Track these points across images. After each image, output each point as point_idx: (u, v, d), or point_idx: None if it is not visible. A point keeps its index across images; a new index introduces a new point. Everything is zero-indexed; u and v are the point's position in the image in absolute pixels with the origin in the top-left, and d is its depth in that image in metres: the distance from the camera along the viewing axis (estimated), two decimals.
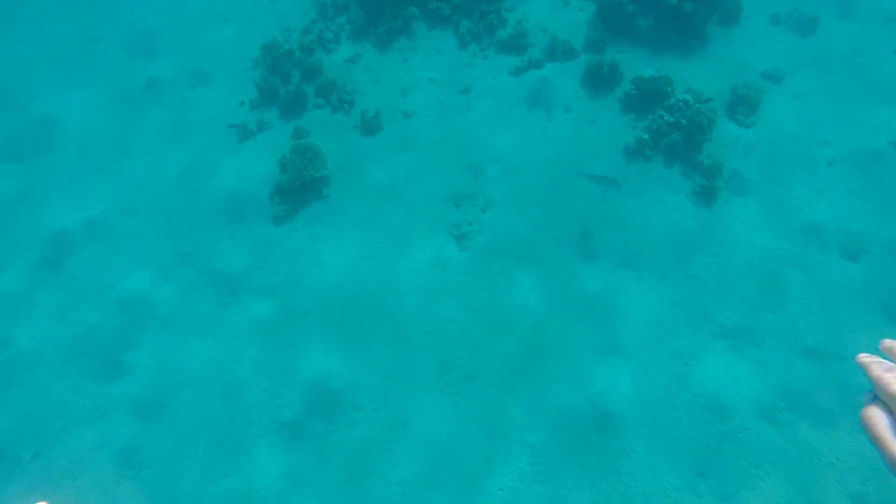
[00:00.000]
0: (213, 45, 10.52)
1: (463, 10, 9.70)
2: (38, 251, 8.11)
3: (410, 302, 7.27)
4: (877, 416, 1.14)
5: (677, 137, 7.99)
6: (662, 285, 7.25)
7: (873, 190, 7.86)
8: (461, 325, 7.07)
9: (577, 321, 7.01)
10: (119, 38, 10.85)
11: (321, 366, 6.90)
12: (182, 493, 6.12)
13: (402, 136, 8.74)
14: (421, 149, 8.57)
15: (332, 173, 8.35)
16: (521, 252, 7.56)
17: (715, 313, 7.02)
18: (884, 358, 1.23)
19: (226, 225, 8.15)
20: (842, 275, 7.23)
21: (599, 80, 8.78)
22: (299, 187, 7.99)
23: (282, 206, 8.08)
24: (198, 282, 7.68)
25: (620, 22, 9.34)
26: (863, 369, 1.24)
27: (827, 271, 7.27)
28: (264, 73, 9.38)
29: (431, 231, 7.78)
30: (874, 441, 1.12)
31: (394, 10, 9.67)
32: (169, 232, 8.16)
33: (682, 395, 6.51)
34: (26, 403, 6.82)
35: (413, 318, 7.15)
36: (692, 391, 6.53)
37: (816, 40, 9.56)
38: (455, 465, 6.18)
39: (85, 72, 10.37)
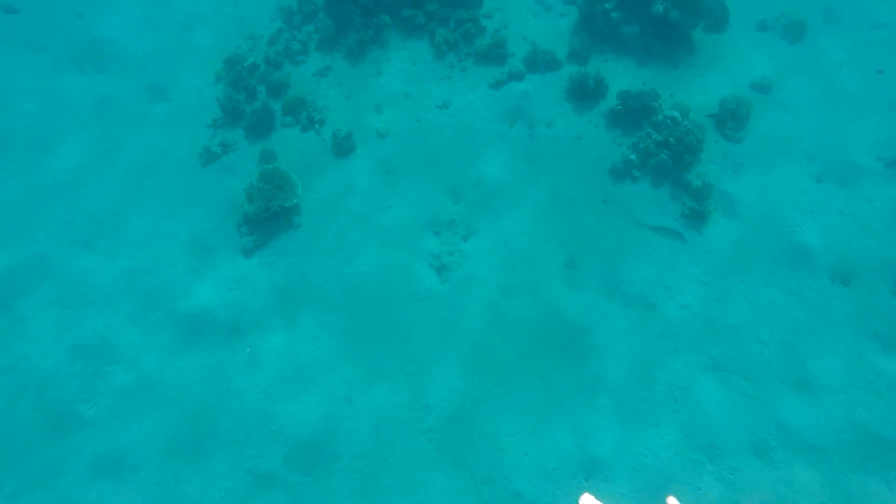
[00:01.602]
0: (172, 56, 10.06)
1: (438, 18, 9.41)
2: None
3: (389, 338, 7.09)
4: None
5: (665, 157, 7.88)
6: (651, 316, 7.18)
7: (862, 209, 7.88)
8: (441, 365, 6.93)
9: (562, 356, 6.91)
10: (65, 48, 10.30)
11: (296, 412, 6.70)
12: None
13: (376, 157, 8.48)
14: (397, 171, 8.33)
15: (303, 200, 8.07)
16: (504, 283, 7.41)
17: (705, 344, 6.99)
18: None
19: (191, 259, 7.84)
20: (832, 300, 7.24)
21: (585, 93, 8.61)
22: (268, 217, 7.70)
23: (250, 236, 7.80)
24: (162, 322, 7.39)
25: (605, 29, 9.16)
26: None
27: (817, 297, 7.27)
28: (227, 90, 9.01)
29: (410, 262, 7.59)
30: None
31: (364, 18, 9.34)
32: (129, 267, 7.82)
33: (672, 434, 6.48)
34: None
35: (390, 355, 6.98)
36: (683, 430, 6.50)
37: (804, 47, 9.52)
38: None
39: (26, 87, 9.84)
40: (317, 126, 8.71)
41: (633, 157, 7.98)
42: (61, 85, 9.84)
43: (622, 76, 8.99)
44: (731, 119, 8.36)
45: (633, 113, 8.29)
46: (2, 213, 8.32)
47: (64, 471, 6.47)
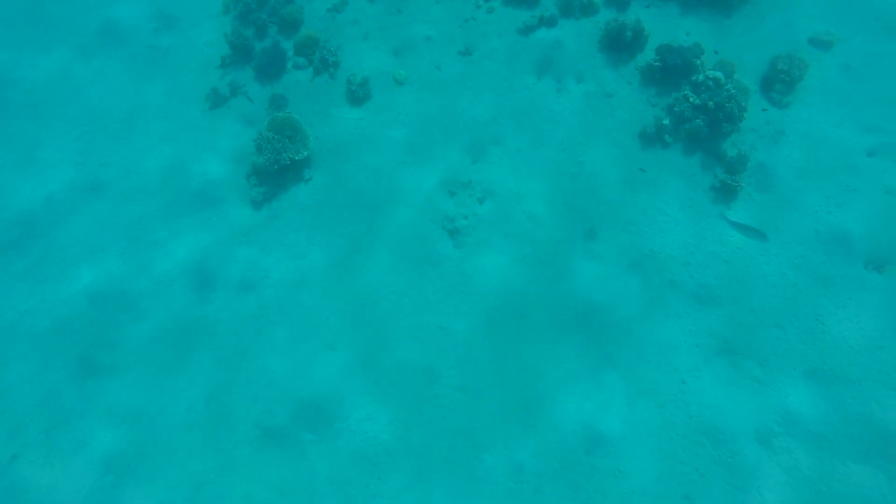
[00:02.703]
0: None
1: None
2: None
3: (398, 304, 7.18)
4: None
5: (701, 123, 7.45)
6: (668, 294, 7.10)
7: None
8: (451, 332, 7.03)
9: (575, 330, 6.96)
10: None
11: (303, 371, 6.96)
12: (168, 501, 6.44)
13: (392, 107, 8.17)
14: (413, 125, 8.04)
15: (315, 152, 7.91)
16: (519, 252, 7.33)
17: (721, 327, 6.95)
18: None
19: (199, 208, 7.86)
20: (863, 288, 7.04)
21: (621, 45, 8.03)
22: (278, 170, 7.60)
23: (259, 188, 7.76)
24: (173, 274, 7.55)
25: None
26: None
27: (847, 284, 7.07)
28: (235, 24, 8.59)
29: (422, 224, 7.50)
30: None
31: None
32: (139, 215, 7.89)
33: (677, 415, 6.61)
34: (0, 403, 6.99)
35: (400, 323, 7.10)
36: (688, 412, 6.62)
37: None
38: (442, 478, 6.43)
39: (31, 15, 9.49)
40: (331, 70, 8.35)
41: (666, 121, 7.55)
42: (61, 11, 9.46)
43: (664, 25, 8.31)
44: (779, 82, 7.76)
45: (672, 70, 7.74)
46: (5, 155, 8.31)
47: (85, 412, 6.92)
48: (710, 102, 7.40)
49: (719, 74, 7.48)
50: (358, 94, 8.11)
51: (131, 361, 7.14)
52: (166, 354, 7.21)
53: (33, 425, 6.82)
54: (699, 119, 7.47)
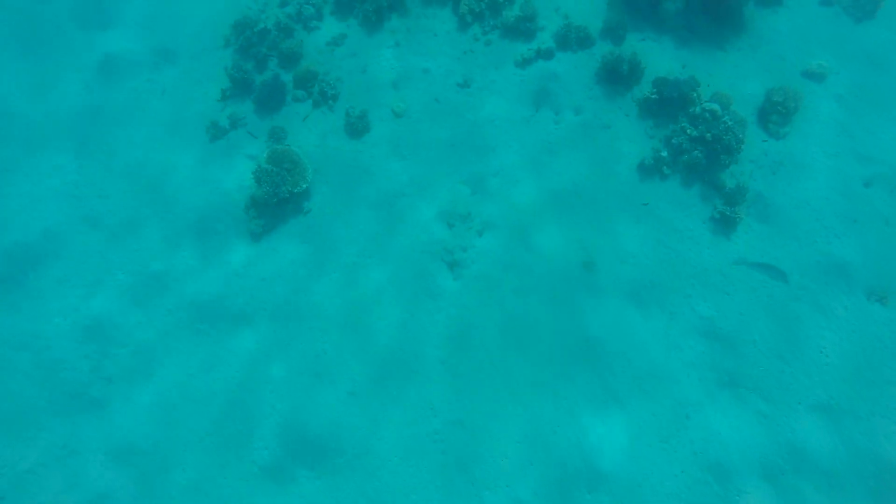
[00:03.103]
0: (180, 13, 9.69)
1: None
2: None
3: (397, 337, 7.13)
4: None
5: (699, 155, 7.52)
6: (670, 326, 7.07)
7: None
8: (450, 366, 6.97)
9: (575, 363, 6.90)
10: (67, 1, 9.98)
11: (299, 406, 6.87)
12: None
13: (391, 139, 8.24)
14: (412, 156, 8.11)
15: (314, 184, 7.95)
16: (518, 283, 7.32)
17: (724, 359, 6.90)
18: None
19: (198, 241, 7.86)
20: (866, 320, 7.02)
21: (617, 78, 8.15)
22: (277, 203, 7.62)
23: (258, 220, 7.77)
24: (169, 306, 7.51)
25: (645, 4, 8.54)
26: None
27: (850, 315, 7.05)
28: (236, 59, 8.72)
29: (421, 257, 7.50)
30: None
31: None
32: (136, 247, 7.88)
33: (680, 451, 6.52)
34: None
35: (398, 356, 7.04)
36: (692, 447, 6.53)
37: (873, 27, 8.78)
38: None
39: (28, 45, 9.63)
40: (330, 102, 8.45)
41: (664, 153, 7.63)
42: (61, 43, 9.60)
43: (660, 57, 8.45)
44: (775, 113, 7.86)
45: (669, 102, 7.85)
46: (3, 188, 8.34)
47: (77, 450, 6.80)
48: (708, 134, 7.49)
49: (716, 106, 7.58)
50: (357, 127, 8.19)
51: (127, 396, 7.05)
52: (161, 388, 7.12)
53: (22, 463, 6.69)
54: (697, 150, 7.54)
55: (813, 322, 7.02)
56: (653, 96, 7.88)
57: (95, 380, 7.18)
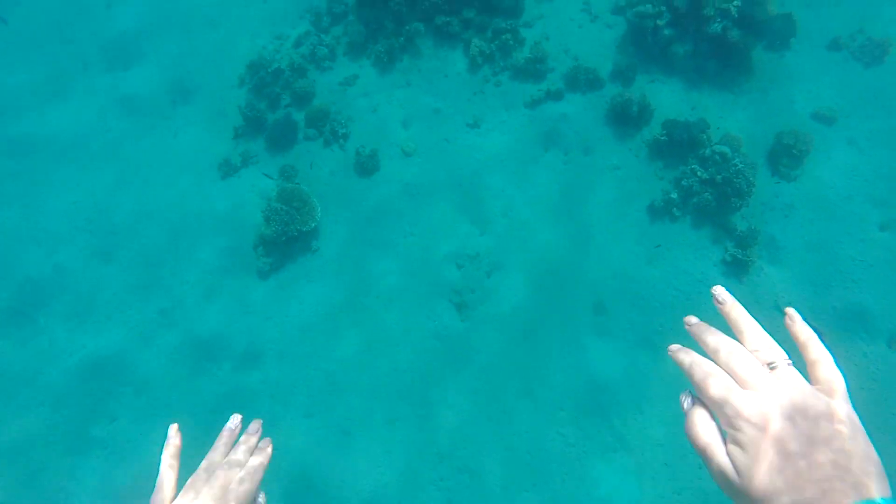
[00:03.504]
0: (198, 53, 10.00)
1: (475, 27, 9.05)
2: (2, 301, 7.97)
3: (404, 379, 7.05)
4: (702, 423, 1.11)
5: (710, 197, 7.50)
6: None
7: None
8: (459, 411, 6.87)
9: (583, 409, 6.77)
10: (93, 41, 10.35)
11: (305, 452, 6.78)
12: None
13: (400, 178, 8.33)
14: (421, 196, 8.17)
15: (322, 222, 8.01)
16: (527, 326, 7.25)
17: None
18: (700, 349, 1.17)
19: (206, 277, 7.91)
20: (888, 368, 6.84)
21: (627, 119, 8.21)
22: (285, 241, 7.68)
23: (267, 258, 7.81)
24: (176, 344, 7.51)
25: (654, 48, 8.67)
26: (677, 365, 1.19)
27: (870, 363, 6.88)
28: (249, 98, 8.93)
29: (429, 297, 7.48)
30: (700, 452, 1.10)
31: (396, 24, 9.06)
32: (146, 283, 7.94)
33: None
34: None
35: (406, 399, 6.95)
36: (706, 501, 6.31)
37: (882, 71, 8.80)
38: None
39: (56, 81, 9.96)
40: (340, 141, 8.58)
41: (674, 195, 7.62)
42: (87, 82, 9.92)
43: (669, 99, 8.53)
44: (786, 155, 7.86)
45: (678, 144, 7.88)
46: (19, 223, 8.50)
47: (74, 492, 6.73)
48: (718, 176, 7.48)
49: (726, 149, 7.60)
50: (367, 166, 8.29)
51: (129, 435, 7.00)
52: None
53: None
54: (707, 193, 7.53)
55: None
56: (662, 138, 7.92)
57: (98, 418, 7.14)
